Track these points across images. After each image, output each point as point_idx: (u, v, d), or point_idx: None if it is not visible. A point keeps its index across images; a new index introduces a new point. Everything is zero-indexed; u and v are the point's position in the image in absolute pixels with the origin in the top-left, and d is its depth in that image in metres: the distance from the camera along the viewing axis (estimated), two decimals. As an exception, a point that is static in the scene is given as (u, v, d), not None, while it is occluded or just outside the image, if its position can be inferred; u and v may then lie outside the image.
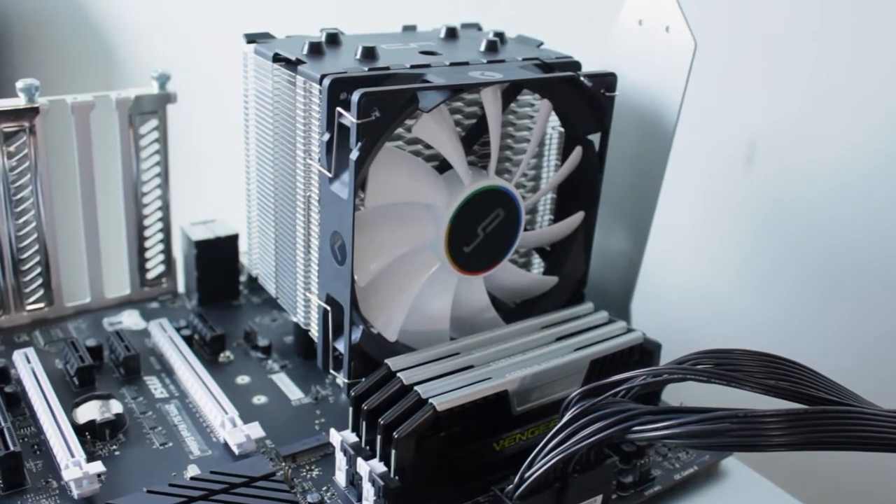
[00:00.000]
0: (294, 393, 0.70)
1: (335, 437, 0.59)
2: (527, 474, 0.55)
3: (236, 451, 0.62)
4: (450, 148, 0.59)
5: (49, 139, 0.72)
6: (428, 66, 0.60)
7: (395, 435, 0.55)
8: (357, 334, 0.60)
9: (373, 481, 0.56)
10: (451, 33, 0.70)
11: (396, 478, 0.55)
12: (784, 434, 0.50)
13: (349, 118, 0.54)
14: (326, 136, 0.57)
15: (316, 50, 0.61)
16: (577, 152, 0.65)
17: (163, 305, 0.81)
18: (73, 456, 0.58)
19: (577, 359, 0.62)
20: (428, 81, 0.58)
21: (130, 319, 0.78)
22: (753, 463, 0.68)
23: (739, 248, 0.91)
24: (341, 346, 0.62)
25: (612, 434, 0.53)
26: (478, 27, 0.75)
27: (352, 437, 0.59)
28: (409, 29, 0.72)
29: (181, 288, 0.83)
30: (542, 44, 0.70)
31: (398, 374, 0.58)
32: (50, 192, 0.73)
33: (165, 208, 0.79)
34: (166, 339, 0.72)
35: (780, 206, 0.87)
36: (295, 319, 0.73)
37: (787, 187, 0.86)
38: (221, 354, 0.74)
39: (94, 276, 0.78)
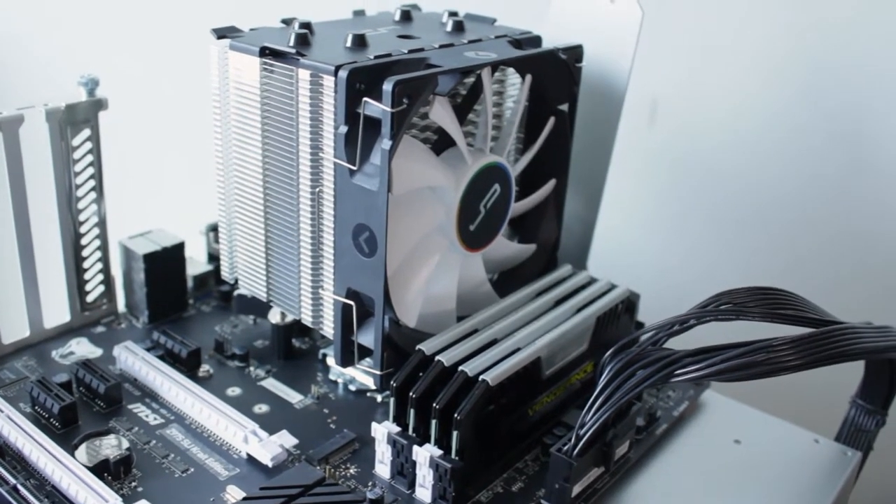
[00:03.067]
0: (292, 396, 0.68)
1: (379, 429, 0.59)
2: (581, 431, 0.57)
3: (270, 463, 0.59)
4: (454, 129, 0.60)
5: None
6: (422, 50, 0.60)
7: (457, 416, 0.56)
8: (386, 324, 0.59)
9: (435, 466, 0.56)
10: (406, 16, 0.70)
11: (457, 458, 0.56)
12: (802, 356, 0.57)
13: (380, 108, 0.53)
14: (344, 129, 0.56)
15: (304, 41, 0.59)
16: (551, 122, 0.68)
17: (109, 328, 0.75)
18: (107, 501, 0.54)
19: (586, 317, 0.65)
20: (433, 66, 0.58)
21: (82, 348, 0.72)
22: (726, 391, 0.75)
23: (648, 197, 0.99)
24: (364, 339, 0.61)
25: (658, 380, 0.57)
26: (417, 7, 0.75)
27: (395, 428, 0.59)
28: (359, 14, 0.71)
29: (121, 307, 0.77)
30: (495, 21, 0.72)
31: (437, 358, 0.59)
32: (-19, 220, 0.65)
33: (102, 224, 0.73)
34: (140, 362, 0.68)
35: (682, 158, 0.96)
36: (277, 319, 0.71)
37: (687, 140, 0.95)
38: (200, 369, 0.70)
39: (32, 306, 0.71)
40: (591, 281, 0.71)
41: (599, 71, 0.72)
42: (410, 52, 0.59)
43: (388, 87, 0.52)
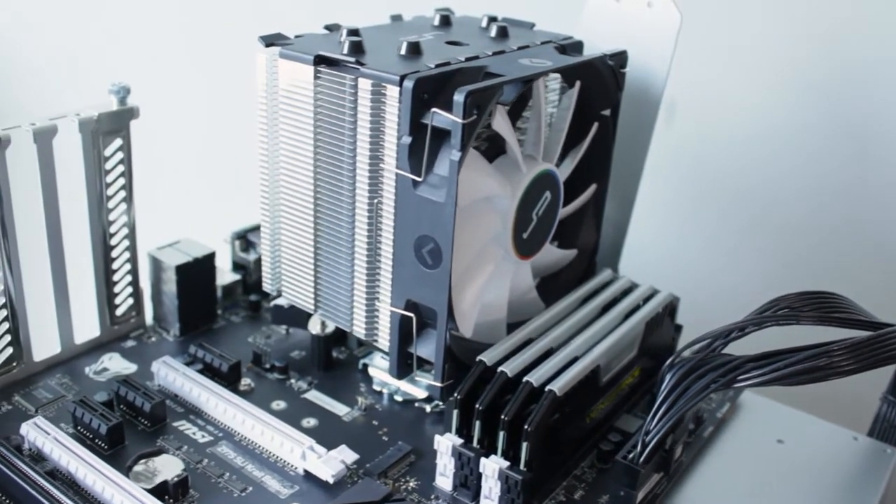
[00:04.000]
0: (339, 408, 0.67)
1: (443, 442, 0.58)
2: (647, 438, 0.58)
3: (331, 480, 0.58)
4: (513, 138, 0.59)
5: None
6: (477, 57, 0.60)
7: (527, 427, 0.55)
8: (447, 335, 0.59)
9: (504, 478, 0.56)
10: (446, 20, 0.69)
11: (525, 469, 0.56)
12: (859, 359, 0.58)
13: (451, 118, 0.52)
14: (408, 140, 0.55)
15: (358, 49, 0.58)
16: (595, 128, 0.68)
17: (140, 342, 0.73)
18: (175, 524, 0.52)
19: (636, 323, 0.66)
20: (493, 74, 0.57)
21: (115, 363, 0.70)
22: (759, 390, 0.75)
23: (662, 197, 0.99)
24: (423, 350, 0.60)
25: (721, 385, 0.57)
26: (451, 11, 0.75)
27: (458, 440, 0.58)
28: (397, 19, 0.70)
29: (149, 320, 0.75)
30: (533, 25, 0.71)
31: (500, 369, 0.58)
32: (15, 232, 0.63)
33: (132, 235, 0.71)
34: (182, 378, 0.66)
35: (696, 158, 0.96)
36: (318, 330, 0.70)
37: (702, 140, 0.95)
38: (241, 383, 0.68)
39: (63, 321, 0.69)
40: (633, 286, 0.71)
41: (636, 75, 0.72)
42: (467, 59, 0.59)
43: (459, 97, 0.52)
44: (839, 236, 0.93)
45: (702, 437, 0.67)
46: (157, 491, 0.56)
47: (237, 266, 0.81)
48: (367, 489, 0.56)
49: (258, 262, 0.79)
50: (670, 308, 0.71)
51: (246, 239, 0.80)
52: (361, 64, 0.56)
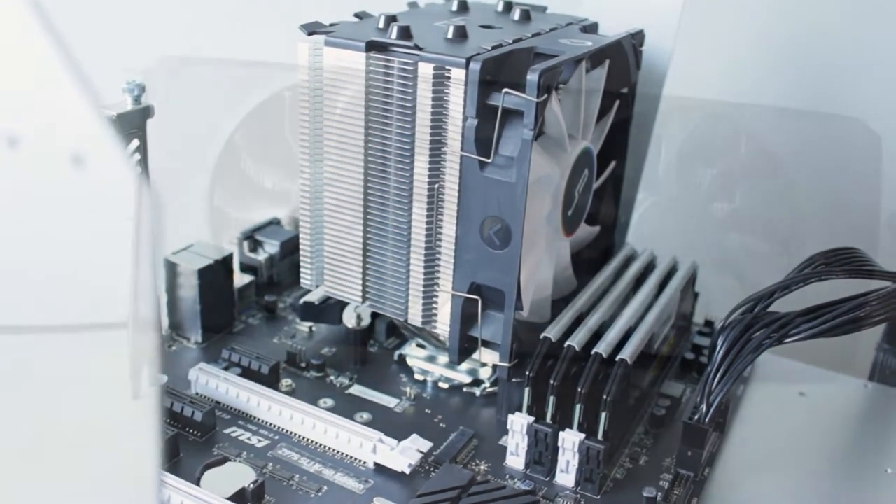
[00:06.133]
0: (388, 401, 0.66)
1: (517, 421, 0.58)
2: (711, 398, 0.60)
3: (407, 470, 0.58)
4: (562, 117, 0.60)
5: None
6: (521, 39, 0.60)
7: (605, 397, 0.56)
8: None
9: (585, 449, 0.57)
10: (463, 6, 0.69)
11: (602, 439, 0.57)
12: (890, 309, 0.62)
13: (524, 98, 0.53)
14: (475, 122, 0.55)
15: (406, 34, 0.57)
16: (616, 105, 0.70)
17: (161, 352, 0.70)
18: (271, 529, 0.51)
19: (673, 292, 0.68)
20: (543, 55, 0.58)
21: (144, 376, 0.66)
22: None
23: (650, 173, 1.02)
24: (486, 333, 0.61)
25: (774, 341, 0.60)
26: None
27: (531, 418, 0.59)
28: (413, 6, 0.70)
29: (164, 327, 0.72)
30: (546, 8, 0.72)
31: (567, 343, 0.59)
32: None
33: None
34: (225, 384, 0.64)
35: (663, 127, 1.00)
36: (353, 323, 0.69)
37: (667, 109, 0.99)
38: (282, 384, 0.67)
39: (86, 337, 0.65)
40: (654, 258, 0.74)
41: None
42: (514, 41, 0.59)
43: (533, 77, 0.52)
44: (803, 199, 0.98)
45: (736, 395, 0.70)
46: (236, 499, 0.54)
47: (245, 267, 0.78)
48: (451, 475, 0.56)
49: (269, 261, 0.77)
50: (693, 277, 0.73)
51: (254, 239, 0.77)
52: (419, 48, 0.56)
